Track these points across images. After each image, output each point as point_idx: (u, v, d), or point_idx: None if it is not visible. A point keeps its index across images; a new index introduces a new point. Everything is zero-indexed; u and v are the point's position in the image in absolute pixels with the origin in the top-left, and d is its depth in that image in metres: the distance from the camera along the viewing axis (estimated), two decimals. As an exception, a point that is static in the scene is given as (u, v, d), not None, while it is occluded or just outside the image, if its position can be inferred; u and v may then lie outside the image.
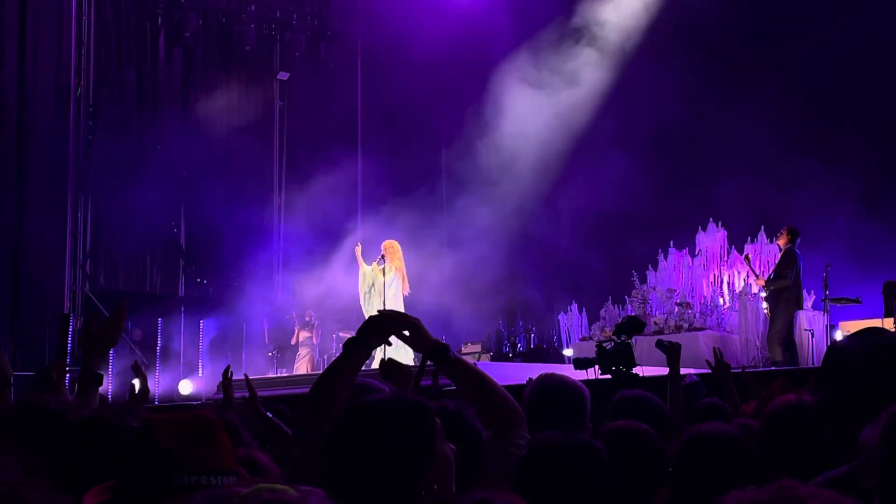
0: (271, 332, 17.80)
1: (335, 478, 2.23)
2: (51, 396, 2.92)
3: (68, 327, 15.73)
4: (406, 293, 14.05)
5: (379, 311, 3.13)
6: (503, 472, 2.85)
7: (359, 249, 14.34)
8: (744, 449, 2.86)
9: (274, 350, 16.79)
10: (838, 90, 16.40)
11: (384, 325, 2.96)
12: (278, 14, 20.62)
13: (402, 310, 13.70)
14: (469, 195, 19.00)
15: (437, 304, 17.15)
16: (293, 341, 16.14)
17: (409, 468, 2.24)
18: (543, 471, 2.58)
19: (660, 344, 6.49)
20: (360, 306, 14.15)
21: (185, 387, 16.51)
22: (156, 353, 16.86)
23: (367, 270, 14.06)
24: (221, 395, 5.42)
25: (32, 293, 16.88)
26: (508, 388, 3.84)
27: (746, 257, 14.25)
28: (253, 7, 20.35)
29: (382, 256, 13.80)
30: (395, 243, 14.13)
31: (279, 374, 15.62)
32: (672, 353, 5.85)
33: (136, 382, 5.22)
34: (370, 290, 13.92)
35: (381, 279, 13.67)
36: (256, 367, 16.59)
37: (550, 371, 4.06)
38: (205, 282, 19.27)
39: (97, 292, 17.73)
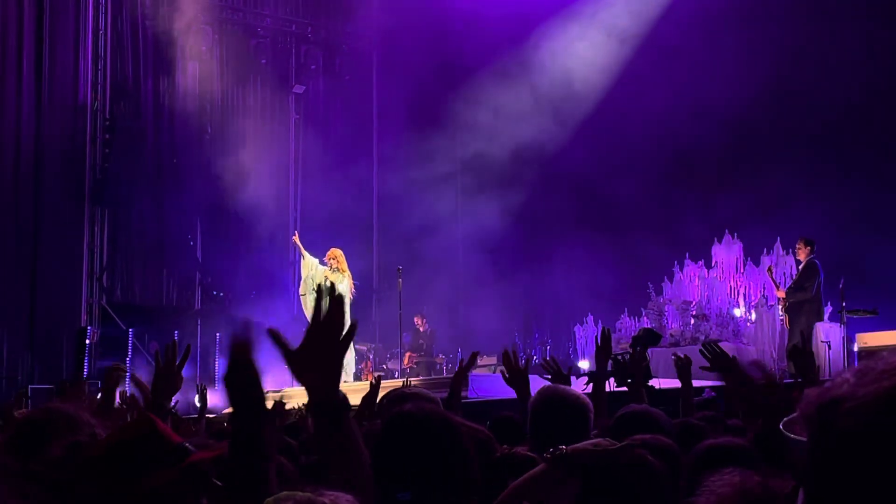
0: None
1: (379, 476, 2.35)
2: (66, 404, 2.77)
3: (85, 341, 15.79)
4: (352, 296, 14.87)
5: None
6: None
7: (297, 238, 15.43)
8: (747, 458, 2.84)
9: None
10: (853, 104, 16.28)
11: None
12: (294, 28, 20.68)
13: (349, 310, 14.18)
14: (485, 205, 18.99)
15: (451, 317, 17.11)
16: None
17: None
18: (602, 484, 2.56)
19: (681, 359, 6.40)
20: (299, 296, 15.25)
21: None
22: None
23: (313, 262, 14.93)
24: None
25: (49, 306, 16.94)
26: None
27: (769, 269, 14.18)
28: (269, 21, 20.42)
29: (331, 263, 14.66)
30: (341, 251, 14.94)
31: (294, 388, 15.60)
32: (682, 368, 5.82)
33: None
34: (316, 292, 14.70)
35: (335, 283, 14.46)
36: (271, 381, 16.56)
37: (554, 384, 4.06)
38: (221, 294, 19.29)
39: (114, 305, 17.77)
